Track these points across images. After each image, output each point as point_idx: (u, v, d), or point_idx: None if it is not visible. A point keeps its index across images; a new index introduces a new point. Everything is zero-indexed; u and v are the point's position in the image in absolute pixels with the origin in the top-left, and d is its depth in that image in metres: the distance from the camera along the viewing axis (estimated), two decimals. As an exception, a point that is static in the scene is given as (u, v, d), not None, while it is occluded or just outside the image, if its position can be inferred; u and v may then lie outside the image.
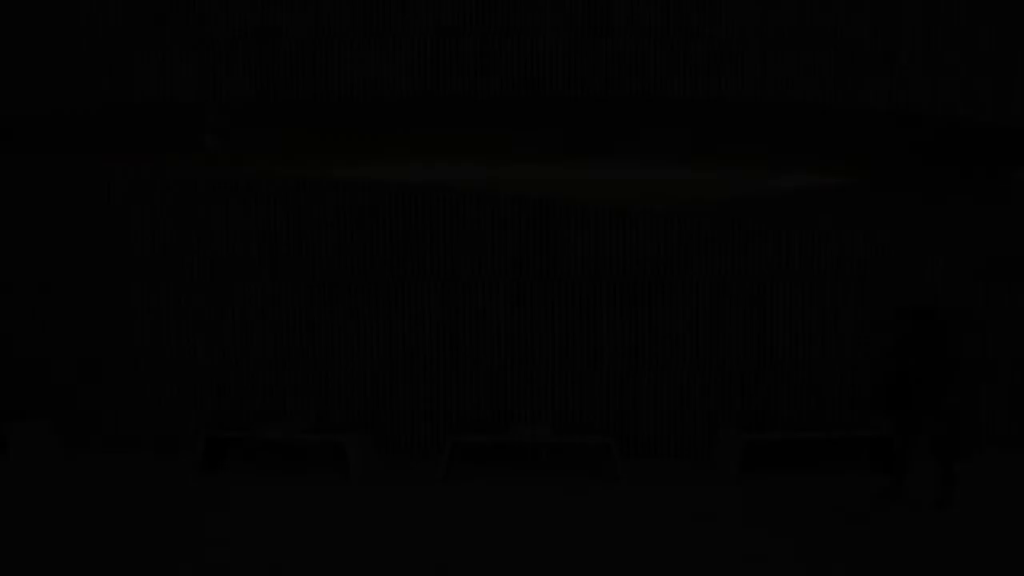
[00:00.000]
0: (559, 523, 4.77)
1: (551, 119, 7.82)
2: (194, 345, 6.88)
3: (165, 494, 5.63)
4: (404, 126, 7.72)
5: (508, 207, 6.55)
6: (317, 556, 4.14)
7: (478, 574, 3.84)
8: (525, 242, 6.53)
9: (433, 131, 7.93)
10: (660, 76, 6.93)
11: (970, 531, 4.45)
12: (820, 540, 4.35)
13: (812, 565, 3.91)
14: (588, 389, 6.53)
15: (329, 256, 6.68)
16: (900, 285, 6.50)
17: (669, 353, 6.49)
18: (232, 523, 4.82)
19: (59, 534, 4.55)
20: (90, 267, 7.08)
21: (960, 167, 9.07)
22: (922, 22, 7.26)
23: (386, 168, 12.04)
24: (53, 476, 6.29)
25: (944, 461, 4.96)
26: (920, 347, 5.02)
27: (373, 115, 7.32)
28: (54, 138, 7.47)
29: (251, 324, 6.77)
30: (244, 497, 5.54)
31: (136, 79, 6.88)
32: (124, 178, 6.96)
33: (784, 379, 6.49)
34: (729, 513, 4.99)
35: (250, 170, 7.04)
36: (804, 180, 12.89)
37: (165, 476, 6.26)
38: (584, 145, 8.84)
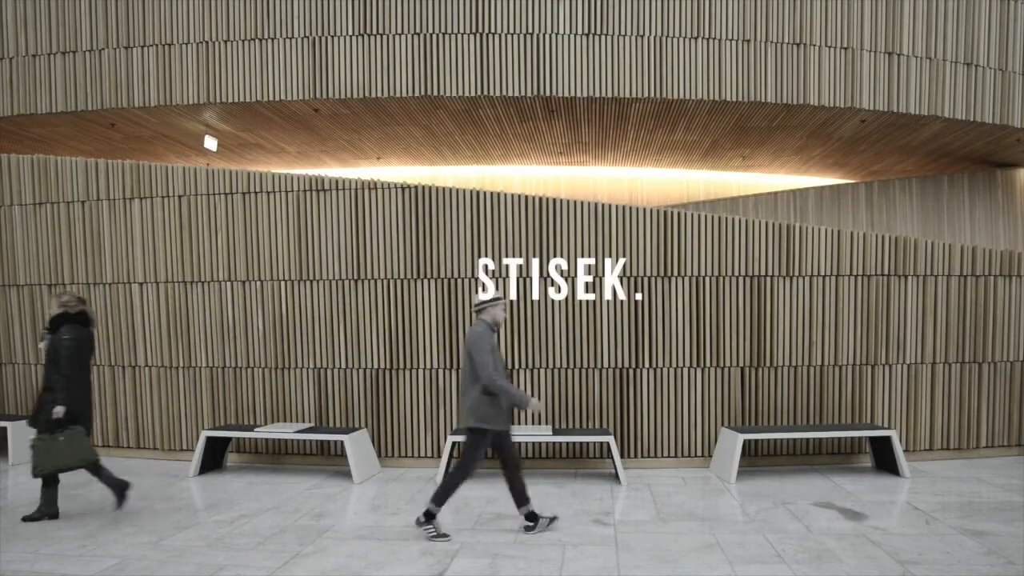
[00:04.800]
0: (559, 522, 4.77)
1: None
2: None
3: (165, 492, 5.64)
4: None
5: (508, 204, 6.54)
6: (317, 555, 4.14)
7: (477, 573, 3.84)
8: (526, 239, 6.52)
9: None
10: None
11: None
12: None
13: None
14: (588, 389, 6.53)
15: (330, 255, 6.70)
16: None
17: (670, 352, 6.48)
18: (233, 521, 4.83)
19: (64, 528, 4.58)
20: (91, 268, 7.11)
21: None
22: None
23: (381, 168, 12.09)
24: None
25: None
26: (48, 357, 4.91)
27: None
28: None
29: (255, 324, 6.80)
30: (245, 495, 5.55)
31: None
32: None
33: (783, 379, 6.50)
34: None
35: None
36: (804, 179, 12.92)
37: (165, 475, 6.27)
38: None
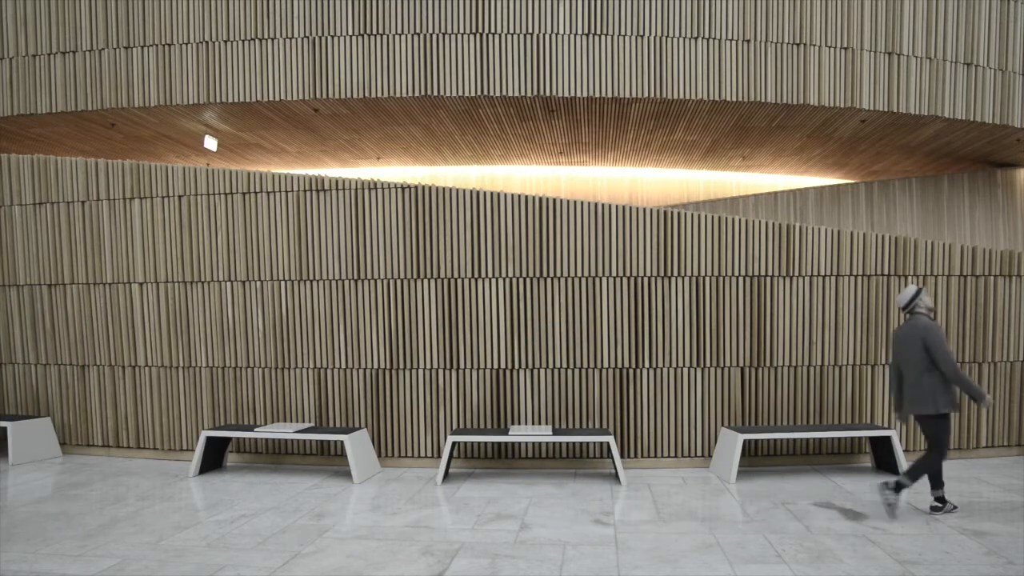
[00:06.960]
0: (559, 523, 4.77)
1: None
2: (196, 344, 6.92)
3: (165, 492, 5.64)
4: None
5: (508, 204, 6.54)
6: (317, 555, 4.14)
7: (477, 573, 3.84)
8: (526, 239, 6.52)
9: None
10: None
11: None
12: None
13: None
14: (588, 389, 6.53)
15: (330, 255, 6.70)
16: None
17: (670, 352, 6.48)
18: (233, 521, 4.82)
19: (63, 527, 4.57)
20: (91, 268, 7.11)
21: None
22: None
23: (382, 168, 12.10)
24: (53, 474, 6.30)
25: None
26: None
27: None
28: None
29: (256, 324, 6.80)
30: (245, 495, 5.55)
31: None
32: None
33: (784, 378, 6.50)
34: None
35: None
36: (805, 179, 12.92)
37: (166, 475, 6.27)
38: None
